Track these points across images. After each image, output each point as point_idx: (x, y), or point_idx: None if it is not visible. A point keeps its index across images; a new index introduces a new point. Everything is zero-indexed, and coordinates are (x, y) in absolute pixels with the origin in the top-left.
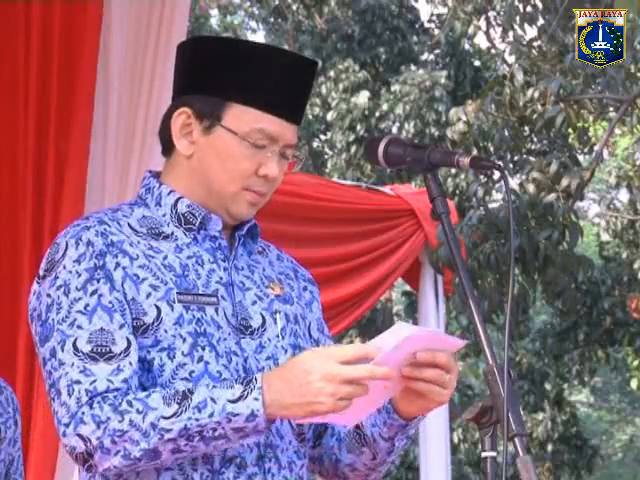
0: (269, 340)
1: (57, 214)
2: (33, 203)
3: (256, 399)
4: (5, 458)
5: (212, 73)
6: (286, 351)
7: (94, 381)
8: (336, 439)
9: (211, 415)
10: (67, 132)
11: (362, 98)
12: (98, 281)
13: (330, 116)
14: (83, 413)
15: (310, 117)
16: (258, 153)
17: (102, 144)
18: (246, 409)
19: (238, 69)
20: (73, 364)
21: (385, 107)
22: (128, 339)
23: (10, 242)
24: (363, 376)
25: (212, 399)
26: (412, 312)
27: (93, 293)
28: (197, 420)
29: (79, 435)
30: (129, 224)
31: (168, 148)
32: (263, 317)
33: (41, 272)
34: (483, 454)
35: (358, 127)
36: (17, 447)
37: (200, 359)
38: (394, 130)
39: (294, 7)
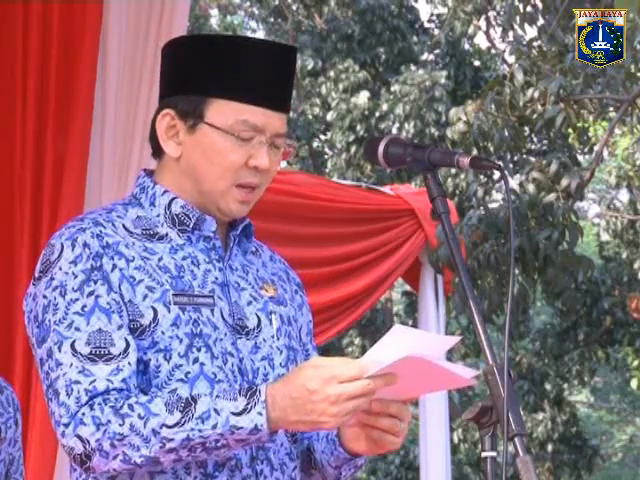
0: (264, 341)
1: (55, 214)
2: (31, 203)
3: (260, 414)
4: (5, 458)
5: (190, 71)
6: (281, 352)
7: (93, 381)
8: None
9: (214, 427)
10: (66, 132)
11: (362, 98)
12: (95, 282)
13: (330, 116)
14: (83, 414)
15: (310, 117)
16: (245, 145)
17: (100, 144)
18: (250, 423)
19: (215, 64)
20: (72, 364)
21: (385, 107)
22: (126, 340)
23: (8, 242)
24: (365, 392)
25: (215, 410)
26: (412, 312)
27: (90, 294)
28: (200, 431)
29: (78, 436)
30: (124, 225)
31: (158, 151)
32: (258, 318)
33: (36, 274)
34: (483, 454)
35: (358, 127)
36: (17, 447)
37: (195, 360)
38: (394, 130)
39: (294, 7)
